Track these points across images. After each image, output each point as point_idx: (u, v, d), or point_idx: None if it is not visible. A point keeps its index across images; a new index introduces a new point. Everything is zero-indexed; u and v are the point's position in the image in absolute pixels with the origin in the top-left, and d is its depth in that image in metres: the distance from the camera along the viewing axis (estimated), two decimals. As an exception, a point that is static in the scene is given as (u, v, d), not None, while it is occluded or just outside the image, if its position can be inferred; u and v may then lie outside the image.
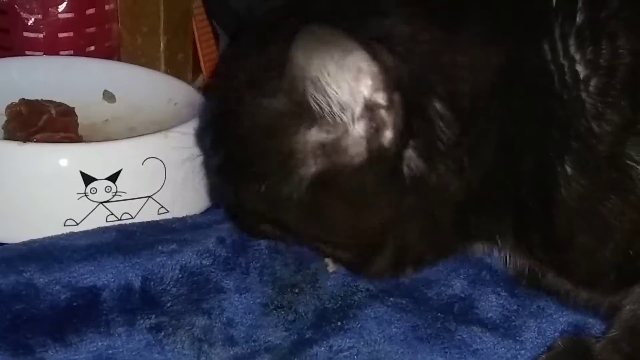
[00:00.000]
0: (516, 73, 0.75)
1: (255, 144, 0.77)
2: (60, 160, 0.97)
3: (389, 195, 0.76)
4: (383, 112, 0.72)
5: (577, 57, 0.73)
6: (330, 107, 0.71)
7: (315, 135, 0.74)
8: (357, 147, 0.73)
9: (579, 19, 0.73)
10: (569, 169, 0.73)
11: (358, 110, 0.72)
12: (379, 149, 0.73)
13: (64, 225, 0.96)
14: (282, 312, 0.84)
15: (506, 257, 0.85)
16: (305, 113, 0.73)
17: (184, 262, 0.87)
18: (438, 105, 0.73)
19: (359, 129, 0.72)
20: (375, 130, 0.72)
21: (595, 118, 0.72)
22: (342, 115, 0.72)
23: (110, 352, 0.78)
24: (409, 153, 0.74)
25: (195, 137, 0.96)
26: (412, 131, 0.73)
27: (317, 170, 0.75)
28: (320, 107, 0.72)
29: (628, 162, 0.72)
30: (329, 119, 0.72)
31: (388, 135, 0.72)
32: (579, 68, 0.73)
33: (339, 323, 0.83)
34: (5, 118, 1.13)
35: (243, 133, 0.78)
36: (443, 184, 0.76)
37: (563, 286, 0.84)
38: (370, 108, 0.72)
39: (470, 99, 0.74)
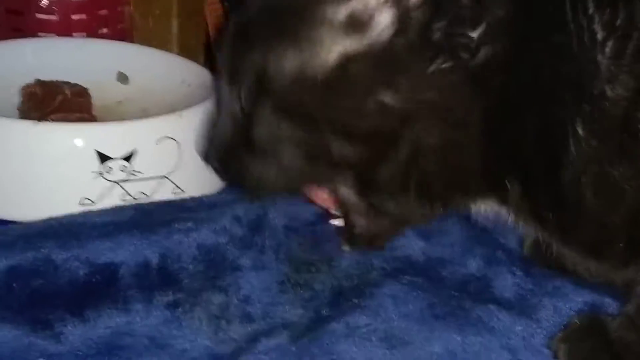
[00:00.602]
0: (533, 20, 0.76)
1: (279, 18, 0.79)
2: (75, 139, 0.97)
3: (414, 77, 0.76)
4: None
5: (596, 17, 0.72)
6: None
7: (344, 8, 0.75)
8: (385, 16, 0.75)
9: None
10: (580, 131, 0.73)
11: None
12: (405, 15, 0.74)
13: (80, 204, 0.96)
14: (299, 290, 0.85)
15: (514, 220, 0.84)
16: None
17: (200, 240, 0.88)
18: None
19: None
20: None
21: (610, 81, 0.72)
22: None
23: (128, 327, 0.79)
24: (435, 28, 0.75)
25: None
26: (438, 1, 0.75)
27: (344, 48, 0.76)
28: None
29: None
30: None
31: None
32: (597, 29, 0.72)
33: (355, 300, 0.83)
34: (20, 99, 1.14)
35: None
36: (463, 79, 0.76)
37: (571, 259, 0.84)
38: None
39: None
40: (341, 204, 0.90)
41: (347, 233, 0.91)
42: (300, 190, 0.91)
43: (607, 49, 0.72)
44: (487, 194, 0.82)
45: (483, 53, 0.76)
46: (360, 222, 0.89)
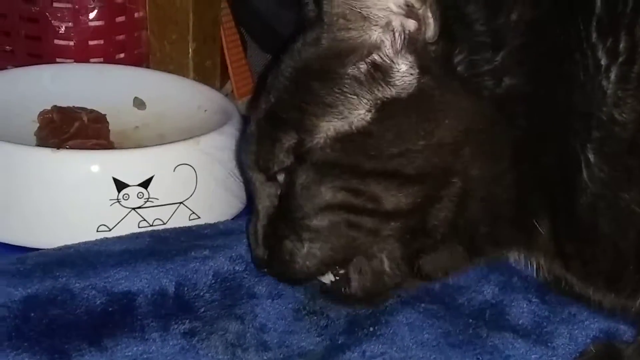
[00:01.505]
0: (544, 49, 0.77)
1: (306, 88, 0.79)
2: (92, 166, 0.98)
3: (451, 110, 0.77)
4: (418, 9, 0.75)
5: (599, 45, 0.74)
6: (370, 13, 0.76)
7: (363, 62, 0.77)
8: (404, 59, 0.76)
9: (597, 7, 0.74)
10: (591, 157, 0.74)
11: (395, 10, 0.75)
12: (423, 54, 0.76)
13: (97, 231, 0.97)
14: (314, 318, 0.85)
15: (536, 264, 0.85)
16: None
17: (216, 268, 0.88)
18: (474, 15, 0.77)
19: (399, 24, 0.76)
20: (417, 28, 0.75)
21: (616, 106, 0.73)
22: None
23: (145, 356, 0.79)
24: (457, 60, 0.76)
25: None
26: (453, 34, 0.76)
27: (375, 98, 0.77)
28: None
29: None
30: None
31: (430, 31, 0.75)
32: (601, 55, 0.74)
33: (371, 329, 0.83)
34: (37, 125, 1.15)
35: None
36: (493, 108, 0.77)
37: (589, 294, 0.83)
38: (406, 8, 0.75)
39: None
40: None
41: (337, 291, 0.85)
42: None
43: (612, 75, 0.73)
44: (518, 241, 0.83)
45: (506, 81, 0.77)
46: (361, 282, 0.83)
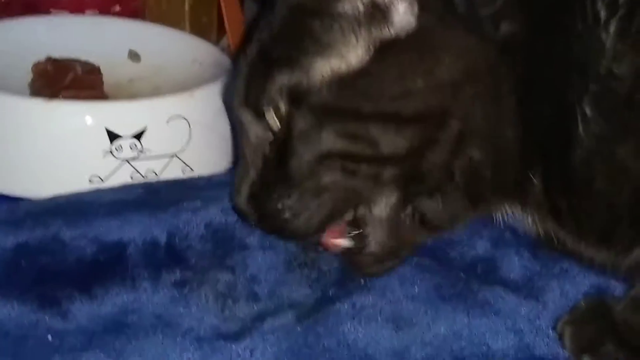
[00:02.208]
0: (546, 3, 0.77)
1: (301, 26, 0.78)
2: (86, 117, 0.97)
3: (452, 49, 0.76)
4: None
5: None
6: None
7: (360, 2, 0.76)
8: None
9: None
10: (587, 110, 0.74)
11: None
12: None
13: (89, 182, 0.97)
14: (306, 270, 0.84)
15: (530, 220, 0.85)
16: None
17: (208, 219, 0.88)
18: None
19: None
20: None
21: (615, 59, 0.72)
22: None
23: (135, 305, 0.79)
24: (457, 1, 0.76)
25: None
26: None
27: (374, 38, 0.76)
28: None
29: None
30: None
31: None
32: (600, 8, 0.73)
33: (362, 281, 0.83)
34: (31, 76, 1.14)
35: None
36: (493, 53, 0.77)
37: (581, 251, 0.83)
38: None
39: None
40: (358, 223, 0.83)
41: (356, 254, 0.83)
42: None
43: (611, 28, 0.72)
44: (513, 193, 0.82)
45: (505, 27, 0.77)
46: (377, 237, 0.81)
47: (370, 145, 0.76)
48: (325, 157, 0.77)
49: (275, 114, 0.79)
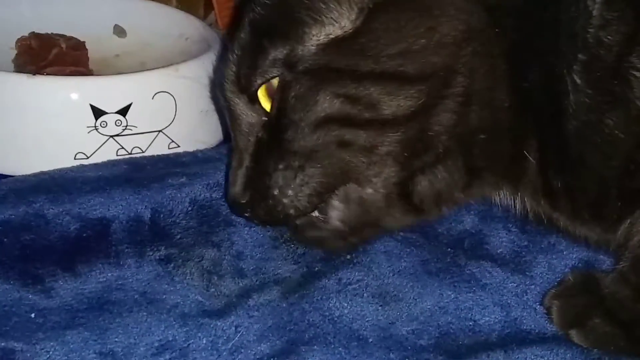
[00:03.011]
0: None
1: None
2: (71, 93, 0.97)
3: (445, 6, 0.76)
4: None
5: None
6: None
7: None
8: None
9: None
10: (577, 79, 0.73)
11: None
12: None
13: (75, 159, 0.96)
14: (292, 246, 0.84)
15: (521, 203, 0.84)
16: None
17: (193, 195, 0.87)
18: None
19: None
20: None
21: (602, 28, 0.72)
22: None
23: (120, 282, 0.78)
24: None
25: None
26: None
27: None
28: None
29: (632, 72, 0.71)
30: None
31: None
32: None
33: (348, 257, 0.83)
34: (15, 52, 1.13)
35: None
36: (484, 15, 0.76)
37: (575, 231, 0.83)
38: None
39: None
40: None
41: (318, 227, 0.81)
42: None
43: None
44: (506, 174, 0.82)
45: None
46: (343, 214, 0.80)
47: (369, 107, 0.75)
48: (322, 123, 0.75)
49: (267, 93, 0.78)
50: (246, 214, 0.81)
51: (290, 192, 0.77)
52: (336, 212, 0.80)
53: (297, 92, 0.76)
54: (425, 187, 0.80)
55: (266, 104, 0.79)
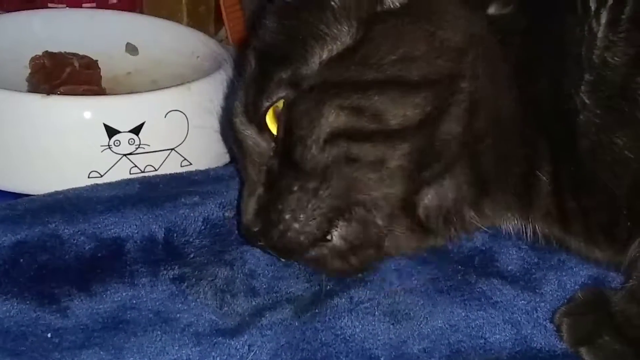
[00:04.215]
0: None
1: (295, 19, 0.79)
2: (84, 112, 0.98)
3: (447, 12, 0.77)
4: None
5: None
6: None
7: None
8: None
9: None
10: (586, 99, 0.74)
11: None
12: None
13: (88, 177, 0.97)
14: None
15: (532, 229, 0.85)
16: None
17: (206, 214, 0.88)
18: None
19: None
20: None
21: (607, 49, 0.73)
22: None
23: (134, 302, 0.79)
24: None
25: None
26: None
27: (366, 14, 0.76)
28: None
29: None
30: None
31: None
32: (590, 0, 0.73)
33: (360, 275, 0.83)
34: (29, 71, 1.14)
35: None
36: (487, 30, 0.77)
37: (586, 252, 0.84)
38: None
39: None
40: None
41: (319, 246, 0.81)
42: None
43: (602, 18, 0.73)
44: (518, 196, 0.82)
45: (497, 8, 0.77)
46: (346, 232, 0.80)
47: (375, 118, 0.75)
48: (329, 139, 0.76)
49: (275, 119, 0.79)
50: (260, 243, 0.81)
51: (301, 216, 0.78)
52: (337, 230, 0.80)
53: (302, 109, 0.76)
54: (432, 199, 0.80)
55: (274, 130, 0.79)
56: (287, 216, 0.78)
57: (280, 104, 0.78)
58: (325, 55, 0.76)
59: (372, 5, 0.77)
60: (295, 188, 0.77)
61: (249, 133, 0.81)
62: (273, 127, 0.79)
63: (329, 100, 0.75)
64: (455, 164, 0.79)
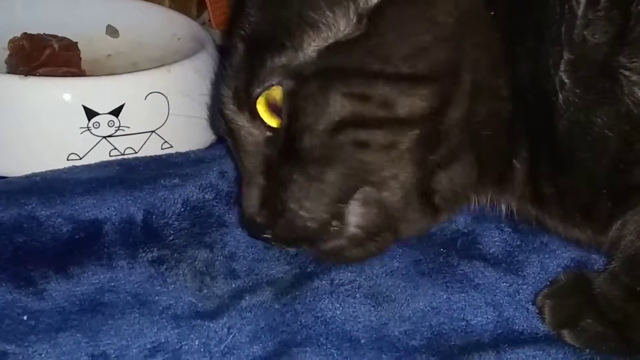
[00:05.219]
0: None
1: (289, 6, 0.77)
2: (64, 94, 0.96)
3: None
4: None
5: None
6: None
7: None
8: None
9: None
10: (565, 79, 0.74)
11: None
12: None
13: (67, 160, 0.95)
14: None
15: (506, 207, 0.85)
16: None
17: (186, 196, 0.87)
18: None
19: None
20: None
21: (587, 28, 0.72)
22: None
23: (112, 284, 0.78)
24: None
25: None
26: None
27: (363, 4, 0.75)
28: None
29: (622, 71, 0.71)
30: None
31: None
32: None
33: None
34: (7, 52, 1.13)
35: None
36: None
37: (564, 231, 0.83)
38: None
39: None
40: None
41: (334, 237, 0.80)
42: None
43: None
44: (498, 175, 0.82)
45: None
46: (362, 217, 0.79)
47: (383, 106, 0.74)
48: (338, 128, 0.75)
49: (268, 108, 0.77)
50: (266, 235, 0.80)
51: (307, 204, 0.76)
52: (354, 217, 0.78)
53: (307, 96, 0.75)
54: (446, 184, 0.80)
55: (268, 119, 0.78)
56: (292, 205, 0.76)
57: (273, 91, 0.77)
58: (320, 43, 0.75)
59: None
60: (299, 176, 0.76)
61: (241, 121, 0.79)
62: (265, 115, 0.78)
63: (333, 86, 0.74)
64: (462, 147, 0.79)
